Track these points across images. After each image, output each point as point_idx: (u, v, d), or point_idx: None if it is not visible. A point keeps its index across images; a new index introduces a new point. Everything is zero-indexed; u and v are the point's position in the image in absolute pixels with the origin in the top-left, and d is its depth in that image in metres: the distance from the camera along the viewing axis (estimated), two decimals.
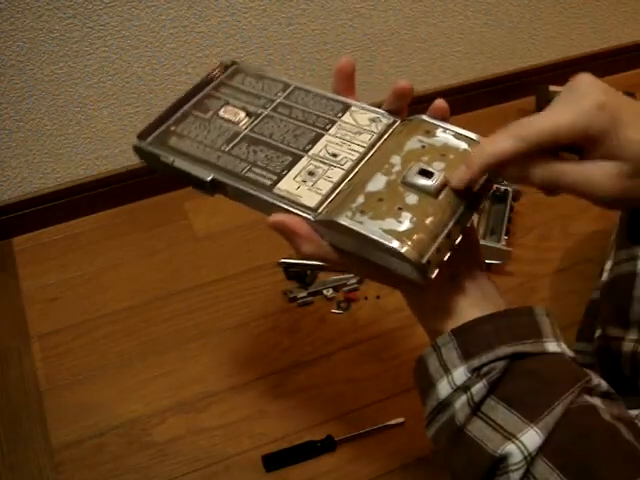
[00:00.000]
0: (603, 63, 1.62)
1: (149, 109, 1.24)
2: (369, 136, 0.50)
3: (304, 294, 1.13)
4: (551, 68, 1.57)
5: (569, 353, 0.46)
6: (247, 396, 1.01)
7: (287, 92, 0.54)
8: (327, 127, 0.51)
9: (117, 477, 0.93)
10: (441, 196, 0.44)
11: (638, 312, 0.68)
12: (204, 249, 1.24)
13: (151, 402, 1.01)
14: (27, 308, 1.14)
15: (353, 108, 0.52)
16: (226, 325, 1.11)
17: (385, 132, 0.50)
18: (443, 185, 0.45)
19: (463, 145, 0.48)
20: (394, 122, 0.50)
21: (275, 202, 0.47)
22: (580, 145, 0.44)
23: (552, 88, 1.50)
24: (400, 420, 0.96)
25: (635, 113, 0.44)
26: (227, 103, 0.54)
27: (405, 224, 0.43)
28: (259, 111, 0.53)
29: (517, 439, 0.41)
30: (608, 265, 0.75)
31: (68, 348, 1.08)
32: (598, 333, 0.74)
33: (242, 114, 0.53)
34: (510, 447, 0.41)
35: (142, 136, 0.52)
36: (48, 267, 1.21)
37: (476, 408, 0.43)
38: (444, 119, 0.50)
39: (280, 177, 0.48)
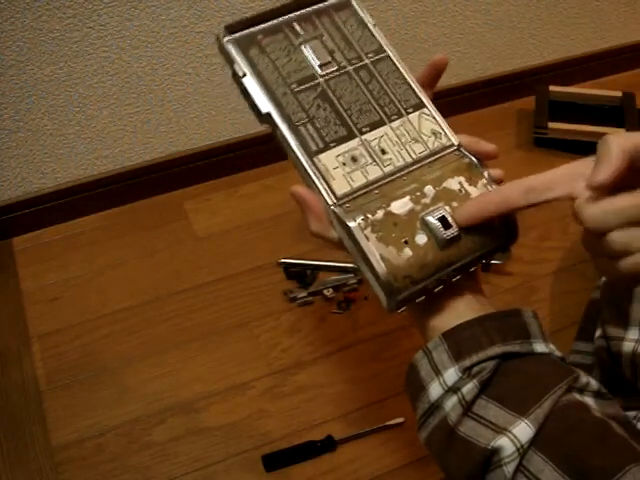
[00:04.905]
0: (603, 63, 1.62)
1: (149, 109, 1.24)
2: (423, 149, 0.49)
3: (304, 294, 1.13)
4: (551, 68, 1.57)
5: (557, 353, 0.47)
6: (247, 396, 1.01)
7: (378, 57, 0.52)
8: (392, 117, 0.50)
9: (117, 477, 0.93)
10: (446, 250, 0.45)
11: (638, 312, 0.68)
12: (204, 249, 1.24)
13: (151, 402, 1.01)
14: (27, 308, 1.14)
15: (425, 110, 0.51)
16: (226, 325, 1.11)
17: (438, 152, 0.50)
18: (453, 240, 0.45)
19: None
20: (451, 145, 0.50)
21: (309, 171, 0.47)
22: None
23: (552, 88, 1.50)
24: (400, 420, 0.96)
25: None
26: (321, 37, 0.52)
27: (402, 259, 0.44)
28: (343, 64, 0.51)
29: (509, 432, 0.42)
30: None
31: (68, 348, 1.08)
32: (598, 333, 0.74)
33: (328, 58, 0.51)
34: (502, 440, 0.41)
35: (229, 28, 0.50)
36: (48, 267, 1.21)
37: (468, 408, 0.44)
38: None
39: (326, 148, 0.48)
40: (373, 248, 0.44)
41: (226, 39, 0.49)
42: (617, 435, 0.41)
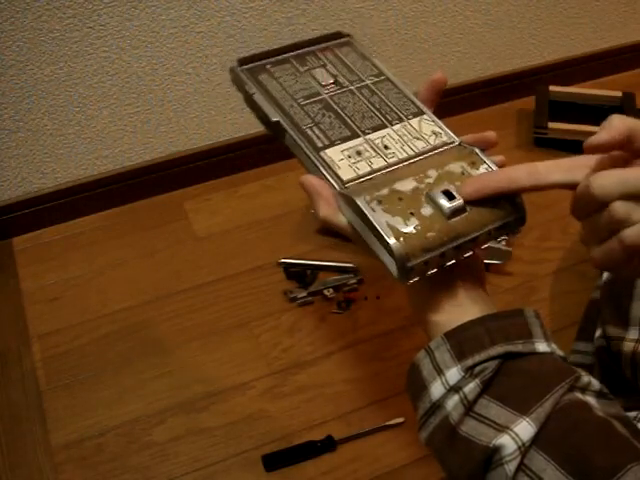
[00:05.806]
0: (603, 63, 1.62)
1: (149, 109, 1.24)
2: (424, 144, 0.53)
3: (304, 294, 1.13)
4: (551, 68, 1.57)
5: (559, 353, 0.47)
6: (247, 396, 1.01)
7: (378, 79, 0.58)
8: (394, 122, 0.54)
9: (117, 477, 0.93)
10: (452, 220, 0.46)
11: (638, 311, 0.68)
12: (204, 249, 1.24)
13: (151, 402, 1.01)
14: (27, 308, 1.14)
15: (425, 117, 0.55)
16: (226, 325, 1.11)
17: (439, 147, 0.52)
18: (458, 211, 0.47)
19: None
20: (452, 142, 0.53)
21: (316, 162, 0.51)
22: None
23: (552, 88, 1.50)
24: (400, 420, 0.96)
25: None
26: (324, 66, 0.58)
27: (409, 227, 0.45)
28: (346, 84, 0.57)
29: (510, 430, 0.42)
30: None
31: (68, 348, 1.08)
32: (598, 333, 0.74)
33: (331, 80, 0.57)
34: (503, 438, 0.42)
35: (241, 62, 0.57)
36: (48, 267, 1.21)
37: (469, 408, 0.44)
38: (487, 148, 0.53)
39: (332, 144, 0.52)
40: (380, 218, 0.46)
41: (238, 69, 0.57)
42: (619, 434, 0.41)
